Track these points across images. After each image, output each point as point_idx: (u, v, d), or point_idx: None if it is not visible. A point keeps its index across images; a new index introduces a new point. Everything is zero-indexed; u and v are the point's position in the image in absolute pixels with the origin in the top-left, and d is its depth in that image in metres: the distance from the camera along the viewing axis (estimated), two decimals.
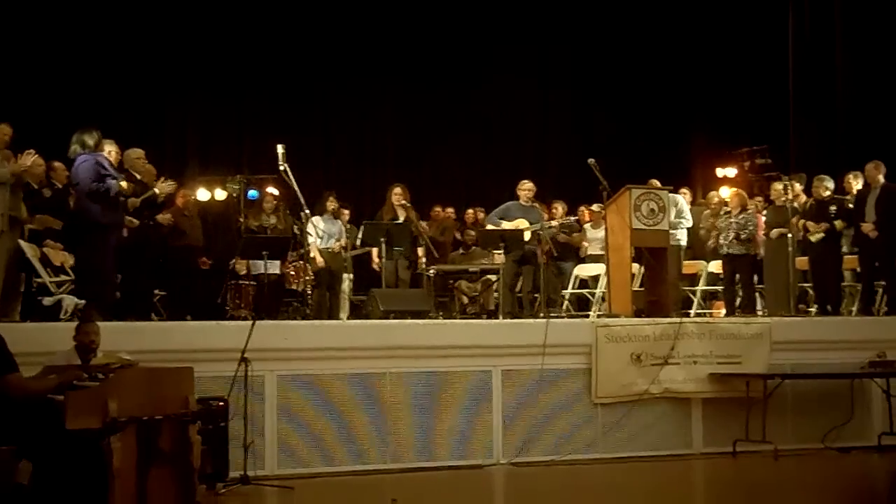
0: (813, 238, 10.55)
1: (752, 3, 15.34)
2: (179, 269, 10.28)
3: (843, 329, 9.53)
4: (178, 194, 10.56)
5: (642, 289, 9.99)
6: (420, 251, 11.00)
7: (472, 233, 12.19)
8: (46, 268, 8.63)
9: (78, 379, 5.74)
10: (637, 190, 9.32)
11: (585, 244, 11.84)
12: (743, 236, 10.92)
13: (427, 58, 15.14)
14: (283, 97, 14.67)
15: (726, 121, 15.47)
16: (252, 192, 11.64)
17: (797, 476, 8.12)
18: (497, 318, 9.80)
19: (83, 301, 7.83)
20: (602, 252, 10.31)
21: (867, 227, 10.13)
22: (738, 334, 8.90)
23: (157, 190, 9.03)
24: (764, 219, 11.27)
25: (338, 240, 10.97)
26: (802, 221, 10.69)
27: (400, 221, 10.52)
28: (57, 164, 9.00)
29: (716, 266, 11.58)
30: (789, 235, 10.53)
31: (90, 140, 8.29)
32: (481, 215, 12.35)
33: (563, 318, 10.38)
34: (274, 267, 10.13)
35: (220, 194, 13.03)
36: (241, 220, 10.50)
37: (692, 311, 11.10)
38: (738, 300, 11.18)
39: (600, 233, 10.70)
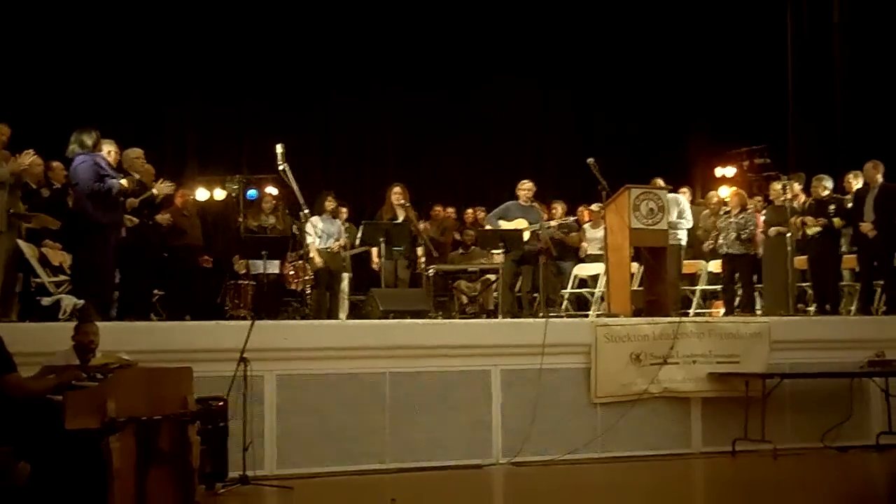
0: (810, 231, 10.54)
1: (751, 3, 15.34)
2: (179, 268, 10.28)
3: (842, 328, 9.53)
4: (177, 194, 10.56)
5: (641, 288, 9.99)
6: (419, 251, 11.01)
7: (471, 232, 12.19)
8: (45, 268, 8.63)
9: (77, 379, 5.73)
10: (636, 190, 9.32)
11: (584, 245, 11.85)
12: (743, 236, 10.94)
13: (427, 58, 15.15)
14: (283, 97, 14.67)
15: (725, 120, 15.48)
16: (251, 192, 11.65)
17: (796, 475, 8.12)
18: (496, 317, 9.81)
19: (82, 301, 7.82)
20: (601, 252, 10.32)
21: (866, 227, 10.14)
22: (737, 334, 8.90)
23: (155, 191, 9.04)
24: (763, 218, 11.28)
25: (337, 239, 10.97)
26: (801, 219, 10.69)
27: (399, 221, 10.52)
28: (55, 163, 9.01)
29: (715, 266, 11.59)
30: (788, 235, 10.53)
31: (89, 140, 8.29)
32: (481, 215, 12.36)
33: (562, 317, 10.39)
34: (273, 267, 10.13)
35: (220, 194, 13.03)
36: (241, 220, 10.50)
37: (691, 311, 11.11)
38: (738, 300, 11.18)
39: (599, 233, 10.70)
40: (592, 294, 11.25)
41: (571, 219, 11.60)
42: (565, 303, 11.50)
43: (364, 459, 7.85)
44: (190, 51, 14.08)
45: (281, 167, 8.97)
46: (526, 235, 10.55)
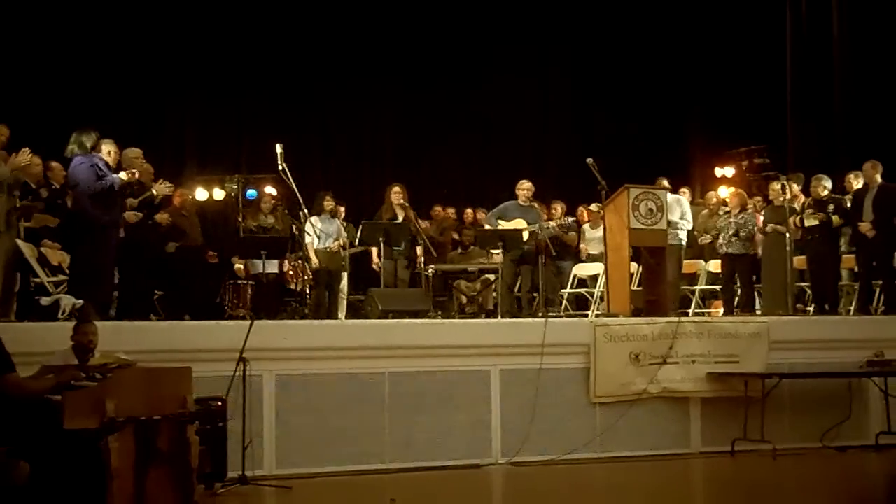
0: (808, 222, 10.54)
1: (751, 3, 15.35)
2: (178, 268, 10.27)
3: (841, 328, 9.54)
4: (176, 193, 10.56)
5: (640, 288, 9.99)
6: (419, 250, 11.01)
7: (470, 232, 12.19)
8: (44, 267, 8.63)
9: (76, 379, 5.73)
10: (635, 190, 9.32)
11: (583, 245, 11.85)
12: (742, 234, 10.95)
13: (427, 57, 15.14)
14: (282, 96, 14.66)
15: (725, 120, 15.46)
16: (250, 192, 11.65)
17: (795, 475, 8.13)
18: (496, 317, 9.80)
19: (81, 301, 7.82)
20: (601, 252, 10.32)
21: (865, 227, 10.14)
22: (736, 334, 8.91)
23: (154, 191, 9.04)
24: (762, 218, 11.28)
25: (336, 239, 10.97)
26: (799, 217, 10.69)
27: (399, 221, 10.52)
28: (54, 164, 9.00)
29: (715, 265, 11.60)
30: (787, 235, 10.53)
31: (88, 141, 8.30)
32: (481, 215, 12.35)
33: (561, 317, 10.39)
34: (272, 266, 10.12)
35: (219, 194, 13.01)
36: (240, 219, 10.50)
37: (690, 311, 11.10)
38: (737, 300, 11.19)
39: (599, 233, 10.70)
40: (592, 294, 11.26)
41: (571, 219, 11.60)
42: (564, 303, 11.50)
43: (363, 459, 7.86)
44: (189, 50, 14.06)
45: (280, 167, 8.97)
46: (525, 236, 10.55)
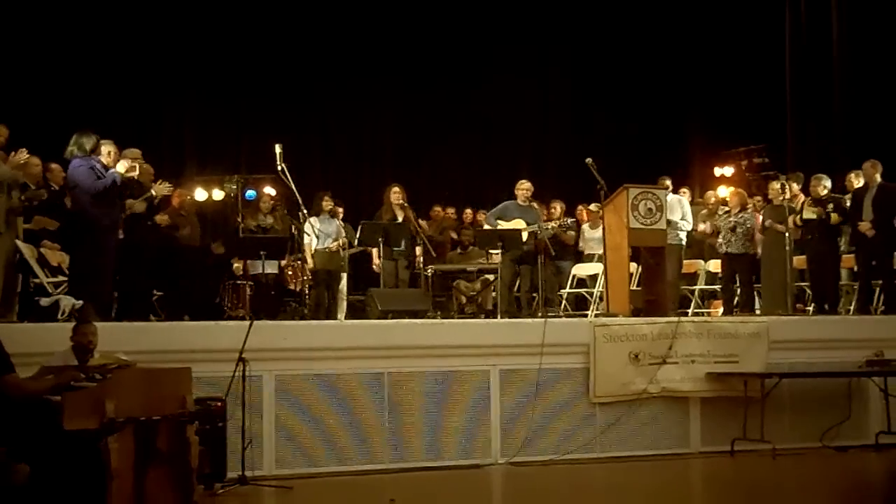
0: (805, 215, 10.53)
1: (750, 3, 15.35)
2: (177, 269, 10.27)
3: (841, 328, 9.53)
4: (175, 194, 10.56)
5: (640, 288, 9.99)
6: (418, 251, 11.01)
7: (469, 232, 12.19)
8: (44, 268, 8.63)
9: (75, 380, 5.73)
10: (634, 189, 9.32)
11: (582, 245, 11.85)
12: (740, 231, 10.96)
13: (426, 58, 15.13)
14: (282, 97, 14.64)
15: (724, 120, 15.47)
16: (249, 192, 11.65)
17: (795, 475, 8.12)
18: (495, 317, 9.80)
19: (80, 301, 7.82)
20: (600, 251, 10.31)
21: (864, 226, 10.14)
22: (735, 333, 8.90)
23: (153, 192, 9.04)
24: (762, 218, 11.28)
25: (335, 239, 10.97)
26: (798, 216, 10.69)
27: (399, 221, 10.52)
28: (54, 165, 9.01)
29: (714, 265, 11.59)
30: (787, 234, 10.53)
31: (87, 144, 8.30)
32: (480, 216, 12.35)
33: (561, 317, 10.38)
34: (272, 267, 10.12)
35: (218, 194, 13.01)
36: (239, 220, 10.49)
37: (690, 311, 11.10)
38: (736, 299, 11.19)
39: (598, 232, 10.70)
40: (591, 294, 11.26)
41: (570, 220, 11.60)
42: (564, 303, 11.50)
43: (363, 459, 7.86)
44: (188, 51, 14.06)
45: (280, 167, 8.96)
46: (524, 236, 10.55)
